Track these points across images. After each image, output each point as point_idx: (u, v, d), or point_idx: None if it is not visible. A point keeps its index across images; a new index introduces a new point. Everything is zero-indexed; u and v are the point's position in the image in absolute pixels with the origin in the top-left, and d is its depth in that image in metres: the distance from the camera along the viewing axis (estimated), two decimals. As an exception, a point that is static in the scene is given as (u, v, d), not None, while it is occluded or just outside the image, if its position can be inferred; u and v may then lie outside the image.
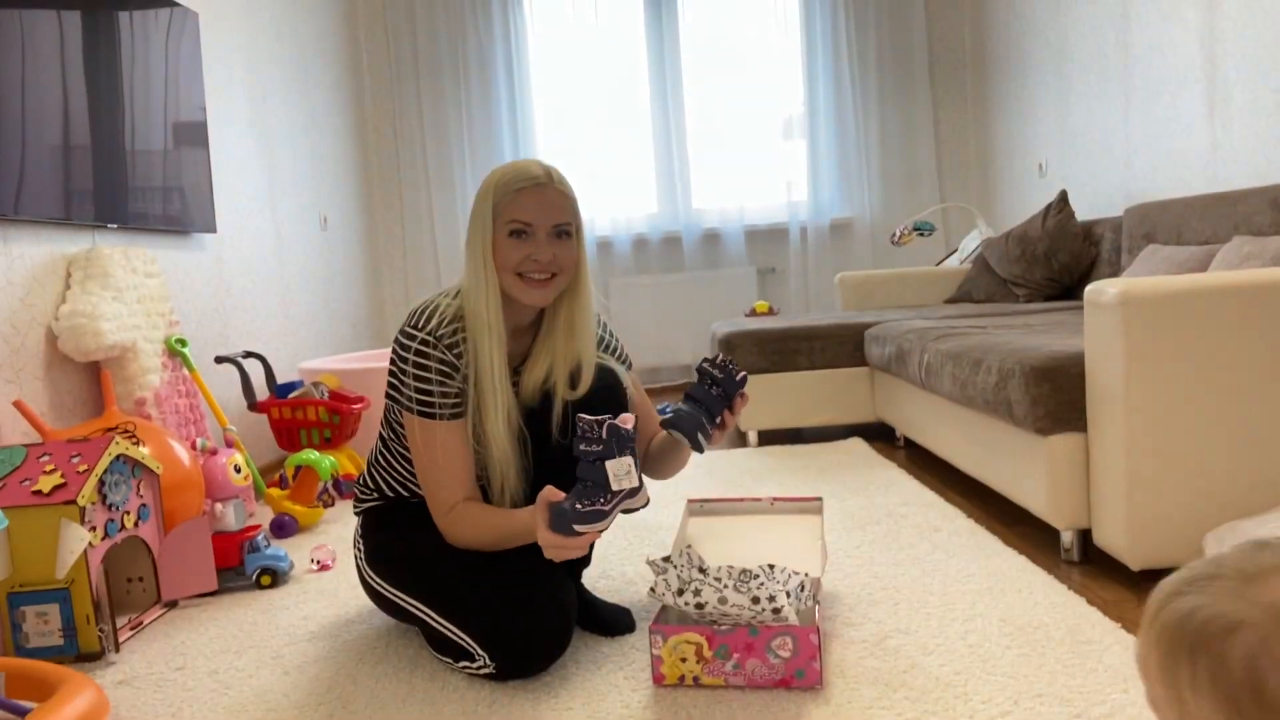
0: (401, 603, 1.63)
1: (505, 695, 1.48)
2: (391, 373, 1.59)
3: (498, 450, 1.56)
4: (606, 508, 1.38)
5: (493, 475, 1.59)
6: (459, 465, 1.56)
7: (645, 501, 1.52)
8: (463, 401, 1.56)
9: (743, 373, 1.57)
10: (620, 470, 1.39)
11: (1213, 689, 0.55)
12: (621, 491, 1.39)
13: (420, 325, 1.56)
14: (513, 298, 1.57)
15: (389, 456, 1.73)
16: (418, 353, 1.55)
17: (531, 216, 1.53)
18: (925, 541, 2.12)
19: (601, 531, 1.40)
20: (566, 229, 1.56)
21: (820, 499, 2.01)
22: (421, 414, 1.56)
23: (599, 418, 1.40)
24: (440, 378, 1.55)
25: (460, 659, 1.55)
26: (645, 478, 1.61)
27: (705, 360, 1.58)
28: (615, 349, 1.76)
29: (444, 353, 1.55)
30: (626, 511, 1.48)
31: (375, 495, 1.77)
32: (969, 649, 1.54)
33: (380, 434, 1.74)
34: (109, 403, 2.40)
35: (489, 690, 1.50)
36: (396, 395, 1.60)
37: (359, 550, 1.74)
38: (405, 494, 1.75)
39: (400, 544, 1.68)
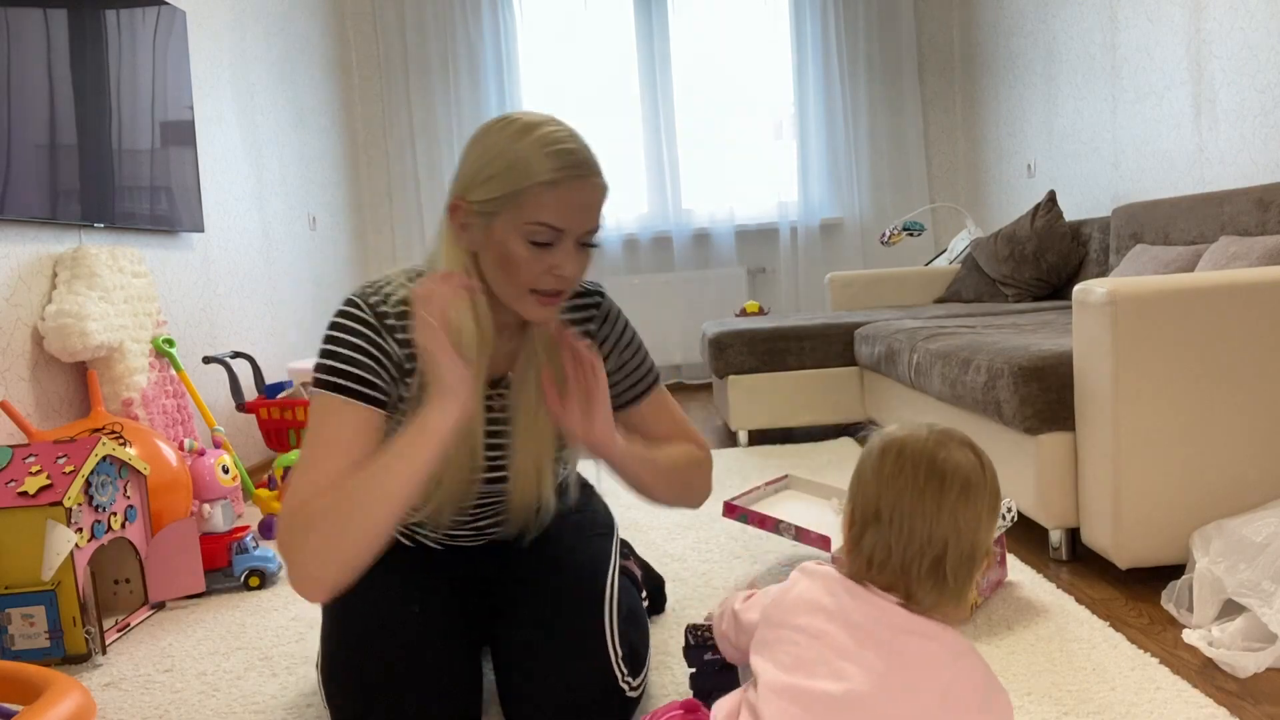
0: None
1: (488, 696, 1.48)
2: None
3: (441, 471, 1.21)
4: None
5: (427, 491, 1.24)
6: (342, 453, 1.13)
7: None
8: (385, 401, 1.19)
9: None
10: None
11: (856, 472, 0.97)
12: None
13: (364, 301, 1.21)
14: (509, 309, 1.21)
15: None
16: (351, 319, 1.20)
17: (568, 221, 1.13)
18: (915, 541, 2.12)
19: None
20: (595, 235, 1.20)
21: (786, 475, 2.20)
22: (320, 383, 1.17)
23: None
24: (364, 357, 1.18)
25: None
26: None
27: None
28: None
29: (383, 338, 1.19)
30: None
31: None
32: (958, 648, 1.54)
33: None
34: (96, 403, 2.38)
35: (479, 691, 1.49)
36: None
37: None
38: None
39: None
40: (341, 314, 1.20)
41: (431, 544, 1.44)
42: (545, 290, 1.17)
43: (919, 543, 0.90)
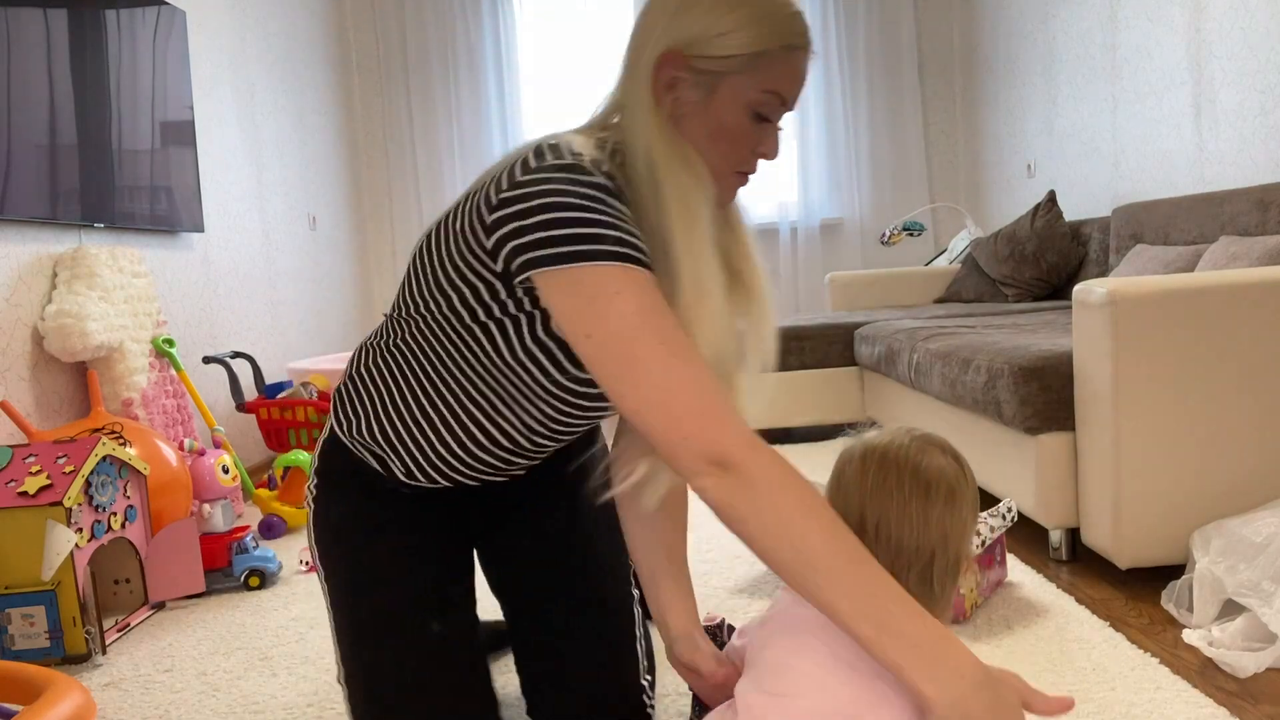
0: (326, 607, 1.26)
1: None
2: (515, 228, 0.92)
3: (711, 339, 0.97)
4: None
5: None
6: (684, 336, 0.91)
7: None
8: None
9: None
10: None
11: (835, 482, 0.96)
12: None
13: (581, 164, 0.95)
14: None
15: (407, 379, 1.11)
16: (589, 181, 0.93)
17: (793, 93, 1.00)
18: (915, 541, 2.12)
19: None
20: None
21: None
22: (615, 255, 0.89)
23: None
24: (627, 221, 0.94)
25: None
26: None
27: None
28: None
29: (620, 203, 0.95)
30: None
31: (357, 435, 1.17)
32: (958, 648, 1.54)
33: (382, 346, 1.15)
34: (95, 403, 2.38)
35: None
36: (522, 251, 0.91)
37: (310, 507, 1.26)
38: (388, 453, 1.15)
39: (358, 547, 1.22)
40: (574, 175, 0.93)
41: (474, 481, 1.20)
42: (748, 171, 1.03)
43: (907, 554, 0.88)
